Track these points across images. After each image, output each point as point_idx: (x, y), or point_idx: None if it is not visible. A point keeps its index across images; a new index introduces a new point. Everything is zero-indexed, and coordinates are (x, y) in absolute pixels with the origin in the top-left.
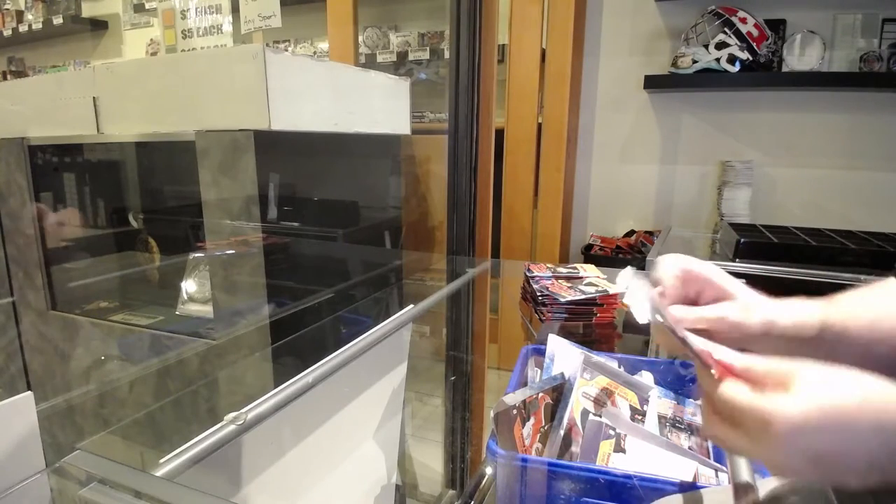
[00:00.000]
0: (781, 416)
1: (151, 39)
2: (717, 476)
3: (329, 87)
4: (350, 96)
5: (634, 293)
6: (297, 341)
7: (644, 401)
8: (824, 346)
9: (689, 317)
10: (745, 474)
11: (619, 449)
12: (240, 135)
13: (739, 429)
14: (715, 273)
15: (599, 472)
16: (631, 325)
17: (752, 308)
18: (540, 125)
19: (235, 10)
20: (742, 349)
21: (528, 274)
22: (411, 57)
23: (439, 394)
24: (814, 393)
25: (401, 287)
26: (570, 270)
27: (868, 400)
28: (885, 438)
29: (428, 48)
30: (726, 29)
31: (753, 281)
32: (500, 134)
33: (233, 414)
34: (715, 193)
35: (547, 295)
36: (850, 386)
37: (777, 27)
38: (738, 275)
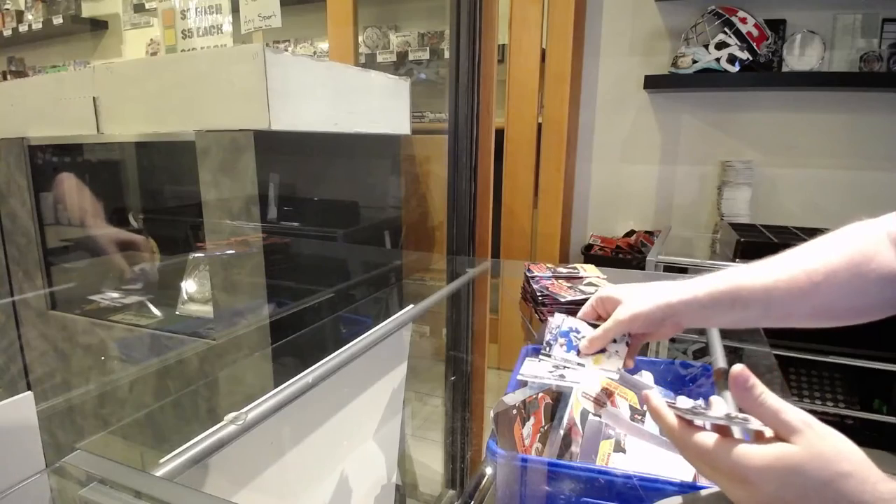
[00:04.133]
0: (749, 463)
1: (151, 39)
2: None
3: (329, 87)
4: (350, 96)
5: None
6: (297, 341)
7: None
8: (748, 311)
9: (596, 338)
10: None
11: (619, 449)
12: (240, 135)
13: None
14: (616, 290)
15: (599, 472)
16: None
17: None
18: (540, 125)
19: (235, 10)
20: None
21: (528, 274)
22: (411, 57)
23: (439, 394)
24: (787, 448)
25: (401, 287)
26: (570, 270)
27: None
28: None
29: (428, 48)
30: (726, 29)
31: None
32: (500, 134)
33: (233, 414)
34: (715, 193)
35: (547, 295)
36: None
37: (777, 27)
38: None
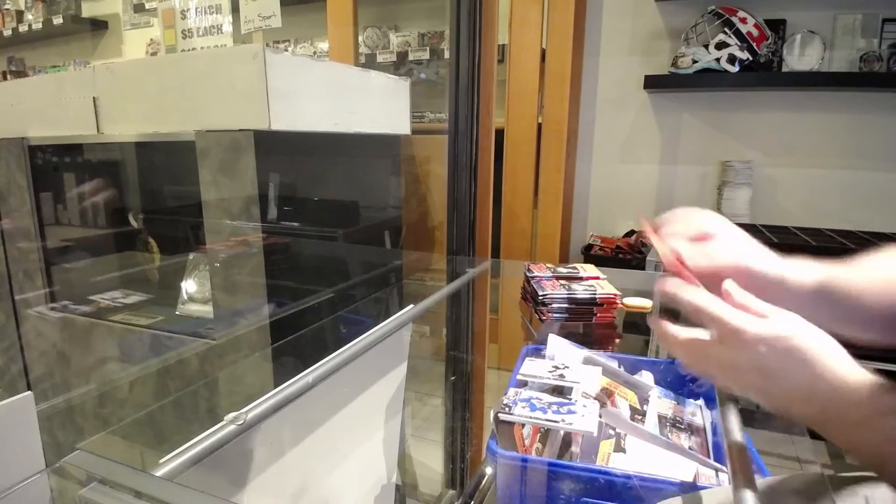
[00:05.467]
0: (753, 328)
1: (151, 39)
2: (717, 476)
3: (329, 87)
4: (350, 96)
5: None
6: (297, 341)
7: (644, 401)
8: (826, 304)
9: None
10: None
11: (619, 449)
12: (240, 135)
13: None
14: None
15: (599, 472)
16: (631, 325)
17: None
18: (540, 125)
19: (235, 10)
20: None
21: (528, 274)
22: (411, 57)
23: (439, 394)
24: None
25: (401, 287)
26: (570, 270)
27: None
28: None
29: (428, 48)
30: (726, 29)
31: None
32: (500, 134)
33: (233, 414)
34: (715, 193)
35: (547, 295)
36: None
37: (777, 27)
38: None
